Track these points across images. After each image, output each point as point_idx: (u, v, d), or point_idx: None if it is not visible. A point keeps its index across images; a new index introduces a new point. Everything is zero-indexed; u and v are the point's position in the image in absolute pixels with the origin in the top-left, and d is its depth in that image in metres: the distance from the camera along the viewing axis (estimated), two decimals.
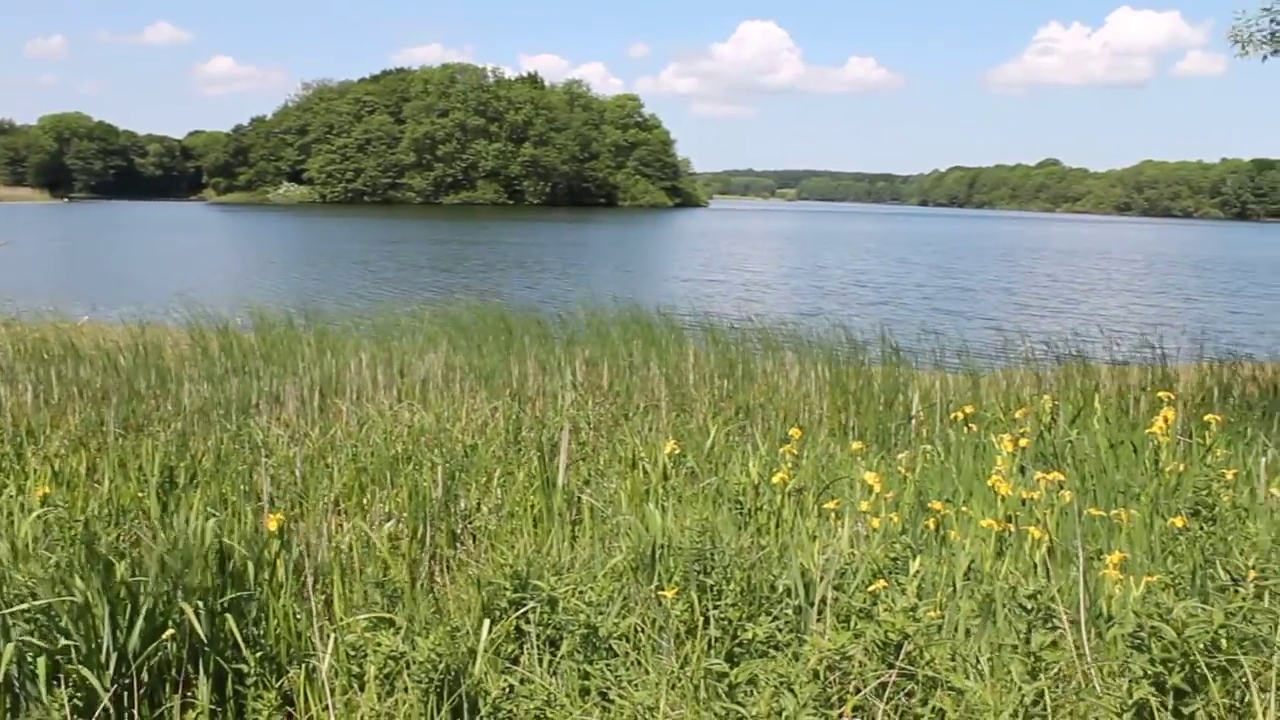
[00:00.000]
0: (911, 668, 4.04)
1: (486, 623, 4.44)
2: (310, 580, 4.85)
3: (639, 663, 4.21)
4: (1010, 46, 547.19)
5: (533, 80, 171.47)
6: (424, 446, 7.80)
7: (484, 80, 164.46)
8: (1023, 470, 7.43)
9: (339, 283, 35.31)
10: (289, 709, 4.28)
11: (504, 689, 4.08)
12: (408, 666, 3.98)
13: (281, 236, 74.02)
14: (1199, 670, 3.69)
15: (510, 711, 3.99)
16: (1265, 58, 8.19)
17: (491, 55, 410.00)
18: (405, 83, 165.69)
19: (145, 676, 4.15)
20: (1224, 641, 3.76)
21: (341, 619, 4.62)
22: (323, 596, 5.15)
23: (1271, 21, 8.03)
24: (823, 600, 4.70)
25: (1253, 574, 4.86)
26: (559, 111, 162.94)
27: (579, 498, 6.54)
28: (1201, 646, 3.73)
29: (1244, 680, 3.62)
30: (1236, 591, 4.42)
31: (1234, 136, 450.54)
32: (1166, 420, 7.93)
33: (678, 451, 7.00)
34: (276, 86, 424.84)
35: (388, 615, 4.58)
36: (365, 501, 6.99)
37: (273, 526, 5.07)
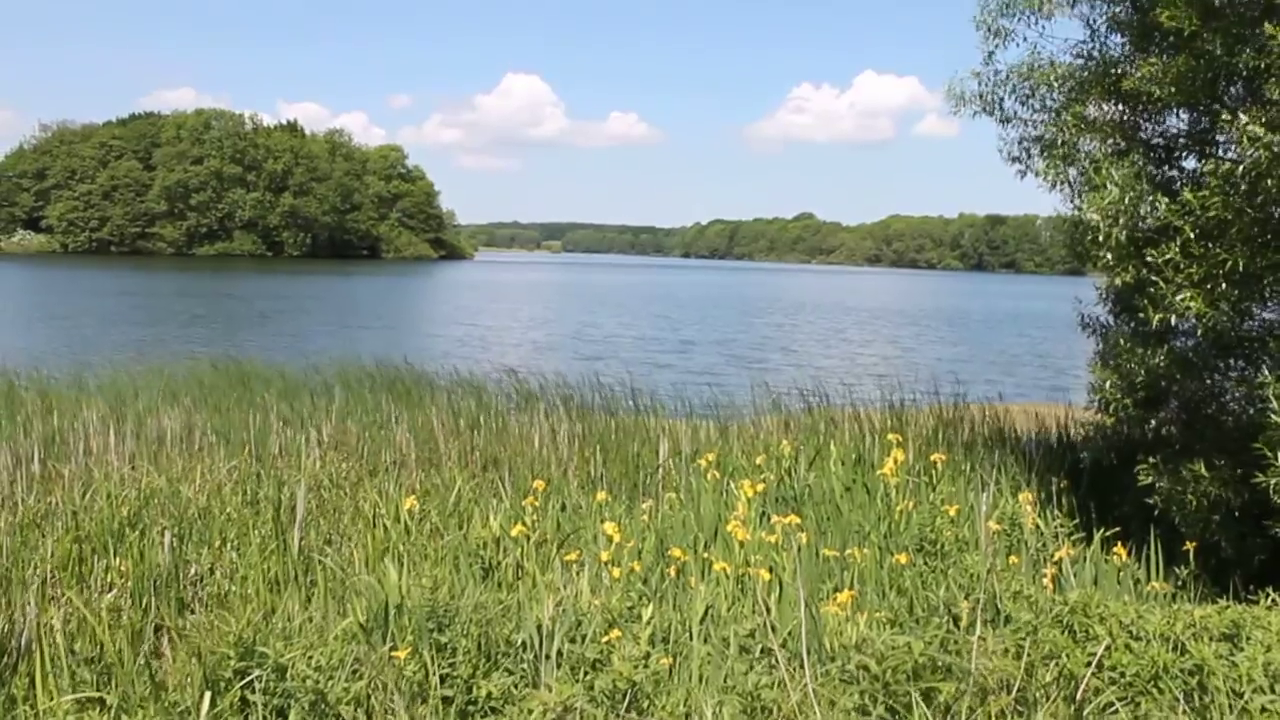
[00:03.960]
0: (641, 716, 4.13)
1: (209, 695, 4.24)
2: (8, 663, 4.50)
3: None
4: (766, 104, 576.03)
5: (292, 128, 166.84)
6: (154, 510, 7.39)
7: (241, 127, 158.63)
8: (764, 515, 7.74)
9: (74, 338, 33.05)
10: None
11: None
12: None
13: (13, 288, 68.74)
14: (902, 699, 3.93)
15: None
16: (975, 114, 8.91)
17: (249, 102, 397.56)
18: (156, 127, 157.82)
19: None
20: (925, 671, 4.02)
21: (45, 705, 4.30)
22: (26, 679, 4.78)
23: (979, 84, 8.77)
24: (558, 652, 4.75)
25: (966, 604, 5.24)
26: (320, 161, 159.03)
27: (315, 558, 6.36)
28: (904, 676, 3.97)
29: (944, 705, 3.87)
30: (939, 622, 4.75)
31: (969, 193, 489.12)
32: (896, 461, 8.46)
33: (419, 507, 6.92)
34: (7, 126, 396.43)
35: (97, 695, 4.30)
36: (85, 572, 6.54)
37: None
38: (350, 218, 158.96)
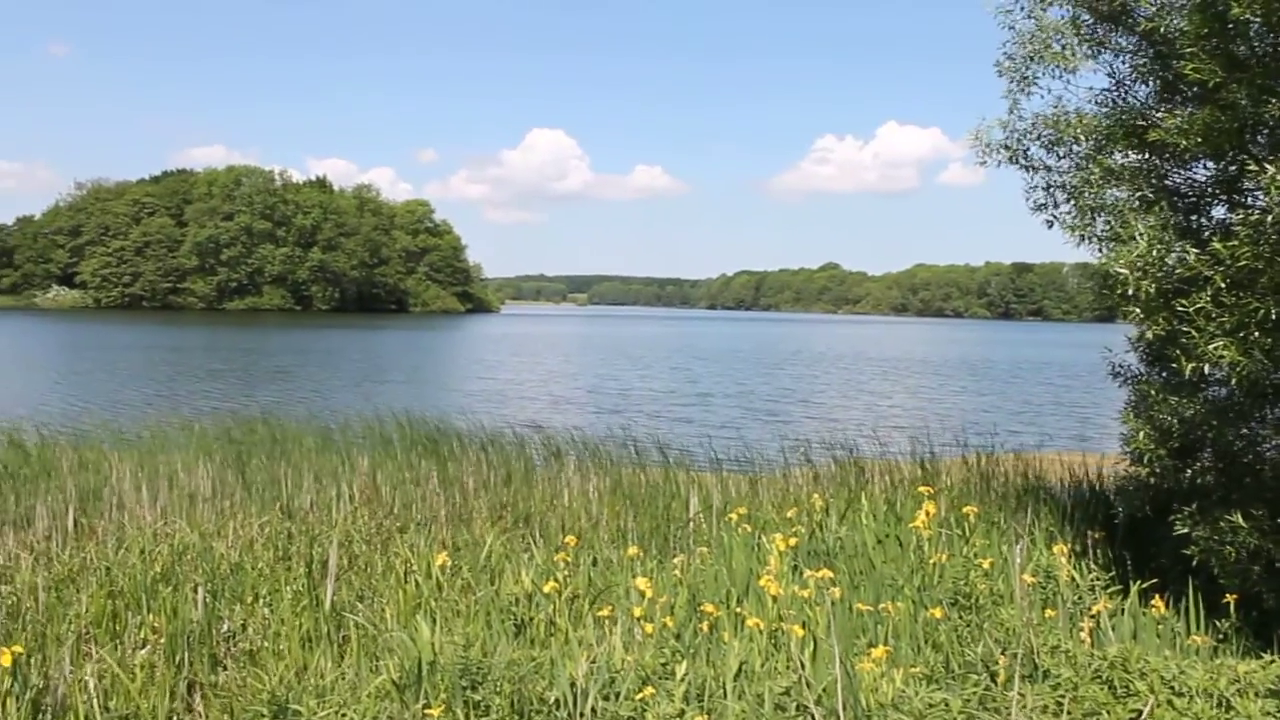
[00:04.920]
0: None
1: None
2: None
3: None
4: (790, 155, 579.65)
5: (321, 184, 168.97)
6: (186, 565, 7.43)
7: (271, 183, 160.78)
8: (796, 569, 7.69)
9: (107, 393, 33.40)
10: None
11: None
12: None
13: (47, 343, 69.57)
14: None
15: None
16: (1000, 163, 8.94)
17: (278, 158, 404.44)
18: (188, 184, 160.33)
19: None
20: None
21: None
22: None
23: (1005, 132, 8.81)
24: (592, 710, 4.72)
25: (1003, 659, 5.18)
26: (348, 216, 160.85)
27: (347, 615, 6.36)
28: None
29: None
30: (977, 678, 4.69)
31: (995, 241, 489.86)
32: (928, 514, 8.39)
33: (451, 563, 6.92)
34: (44, 185, 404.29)
35: None
36: (119, 627, 6.57)
37: (5, 662, 4.71)
38: (378, 272, 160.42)
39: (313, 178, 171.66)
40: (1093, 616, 6.44)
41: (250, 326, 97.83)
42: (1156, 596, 6.74)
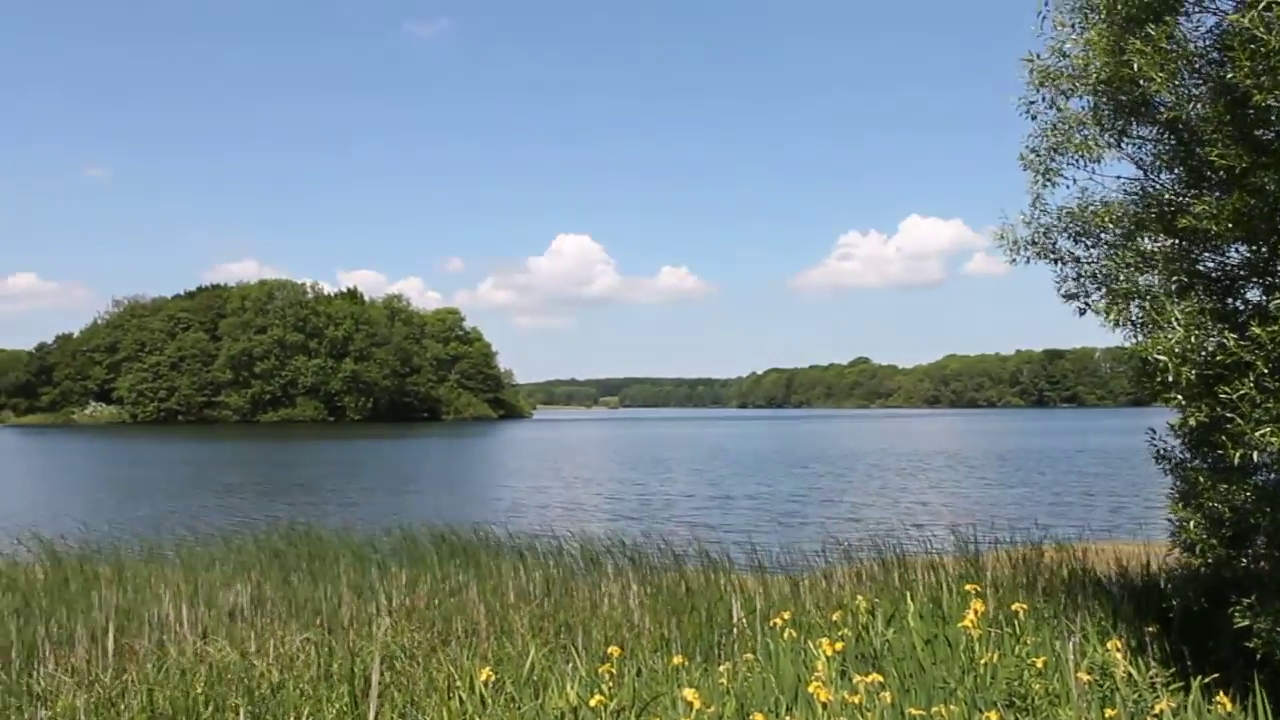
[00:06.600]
0: None
1: None
2: None
3: None
4: (814, 253, 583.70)
5: (352, 295, 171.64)
6: (227, 686, 7.36)
7: (303, 296, 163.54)
8: (844, 673, 7.53)
9: (144, 509, 33.62)
10: None
11: None
12: None
13: (85, 460, 70.35)
14: None
15: None
16: (1029, 260, 8.92)
17: (309, 270, 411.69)
18: (222, 299, 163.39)
19: None
20: None
21: None
22: None
23: (1030, 228, 8.81)
24: None
25: None
26: (379, 326, 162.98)
27: None
28: None
29: None
30: None
31: (1024, 328, 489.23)
32: (976, 612, 8.22)
33: (494, 677, 6.82)
34: (82, 303, 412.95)
35: None
36: None
37: None
38: (410, 381, 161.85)
39: (344, 289, 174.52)
40: (1155, 715, 6.25)
41: (285, 439, 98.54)
42: (1220, 692, 6.54)
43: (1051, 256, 8.86)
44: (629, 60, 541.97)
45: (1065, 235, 8.77)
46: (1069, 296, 8.75)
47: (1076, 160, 8.57)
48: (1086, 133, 8.44)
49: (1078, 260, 8.75)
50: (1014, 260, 8.95)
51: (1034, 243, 8.86)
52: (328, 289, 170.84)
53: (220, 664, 7.95)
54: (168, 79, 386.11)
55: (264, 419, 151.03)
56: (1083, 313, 8.64)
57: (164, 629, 9.50)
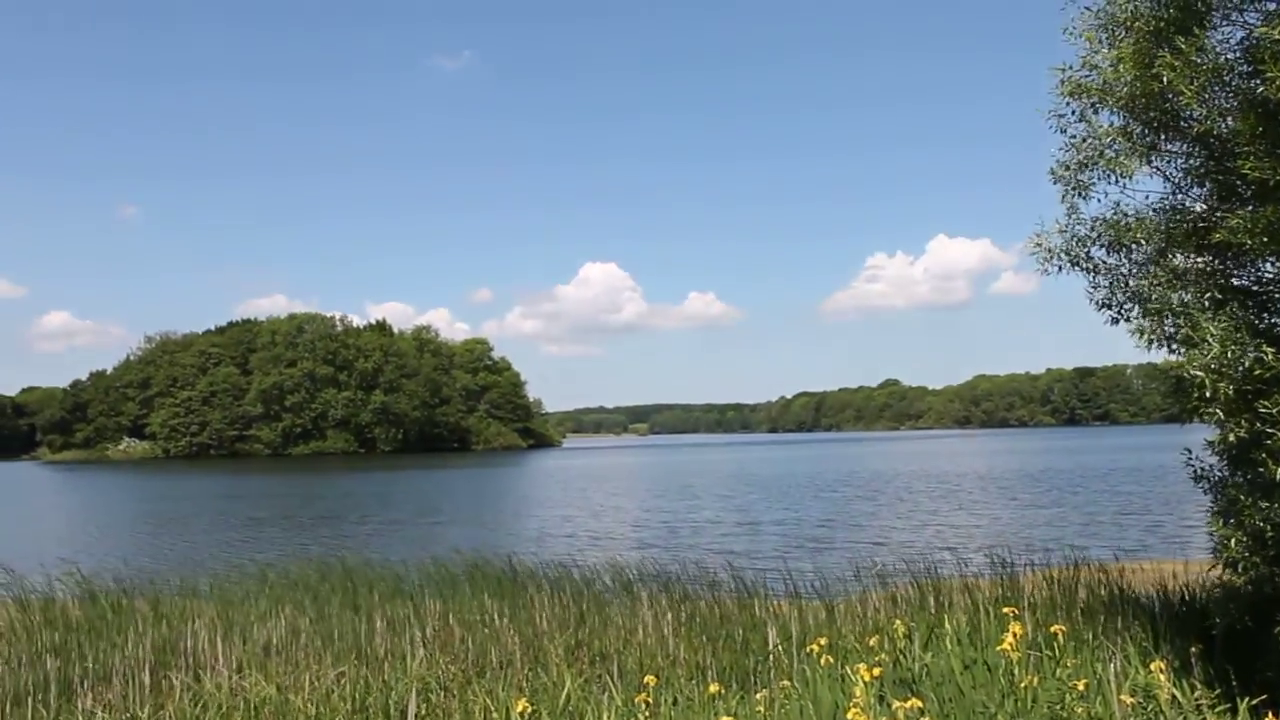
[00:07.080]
0: None
1: None
2: None
3: None
4: (841, 276, 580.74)
5: (381, 327, 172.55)
6: None
7: (332, 329, 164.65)
8: (882, 699, 7.44)
9: (178, 543, 33.82)
10: None
11: None
12: None
13: (119, 495, 70.88)
14: None
15: None
16: (1062, 268, 8.86)
17: (338, 304, 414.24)
18: (252, 334, 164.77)
19: None
20: None
21: None
22: None
23: (1065, 239, 8.75)
24: None
25: None
26: (408, 358, 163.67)
27: None
28: None
29: None
30: None
31: (1054, 347, 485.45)
32: (1015, 635, 8.10)
33: (531, 709, 6.78)
34: (116, 340, 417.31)
35: None
36: None
37: None
38: (440, 411, 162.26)
39: (373, 321, 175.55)
40: None
41: (316, 472, 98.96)
42: (1269, 714, 6.41)
43: (1085, 266, 8.79)
44: (652, 87, 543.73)
45: (1099, 245, 8.70)
46: (1103, 305, 8.67)
47: (1106, 175, 8.51)
48: (1117, 148, 8.38)
49: (1111, 270, 8.68)
50: (1047, 271, 8.89)
51: (1068, 252, 8.80)
52: (357, 321, 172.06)
53: (257, 699, 7.96)
54: (200, 117, 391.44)
55: (295, 452, 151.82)
56: (1116, 322, 8.55)
57: (199, 664, 9.52)
